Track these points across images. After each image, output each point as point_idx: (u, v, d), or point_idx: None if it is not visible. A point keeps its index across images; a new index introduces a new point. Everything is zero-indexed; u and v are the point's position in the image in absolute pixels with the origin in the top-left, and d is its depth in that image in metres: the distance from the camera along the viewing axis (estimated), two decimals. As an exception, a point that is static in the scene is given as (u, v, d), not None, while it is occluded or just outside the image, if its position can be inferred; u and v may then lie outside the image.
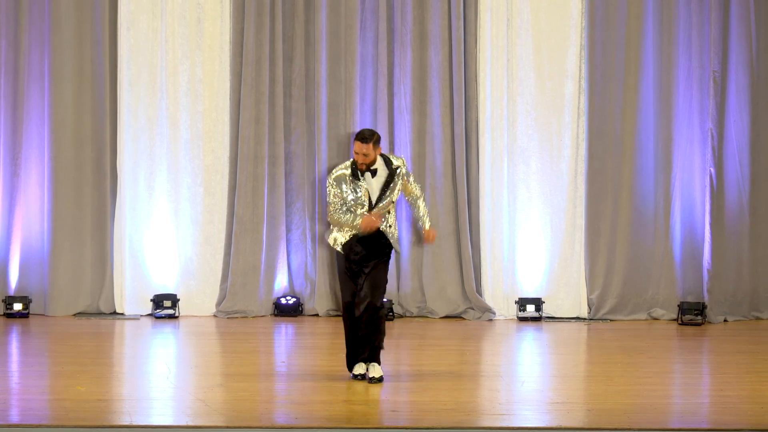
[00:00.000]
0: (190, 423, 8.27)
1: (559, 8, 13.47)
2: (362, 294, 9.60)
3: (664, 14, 13.41)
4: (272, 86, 13.39)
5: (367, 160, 9.54)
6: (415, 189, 9.81)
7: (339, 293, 13.35)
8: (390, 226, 9.70)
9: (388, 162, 9.67)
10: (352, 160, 9.64)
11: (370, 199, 9.59)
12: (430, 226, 9.80)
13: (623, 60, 13.40)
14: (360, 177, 9.56)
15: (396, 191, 9.67)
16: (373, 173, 9.59)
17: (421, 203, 9.84)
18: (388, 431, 8.22)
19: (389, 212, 9.71)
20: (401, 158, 9.77)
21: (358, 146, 9.53)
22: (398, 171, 9.66)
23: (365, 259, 9.63)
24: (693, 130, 13.50)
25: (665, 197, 13.49)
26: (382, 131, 13.48)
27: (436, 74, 13.44)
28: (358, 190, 9.56)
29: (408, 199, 9.86)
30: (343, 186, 9.58)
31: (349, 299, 9.67)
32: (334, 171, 9.68)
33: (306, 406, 8.92)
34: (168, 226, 13.47)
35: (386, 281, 9.70)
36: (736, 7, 13.37)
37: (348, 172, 9.59)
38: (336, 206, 9.60)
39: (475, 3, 13.42)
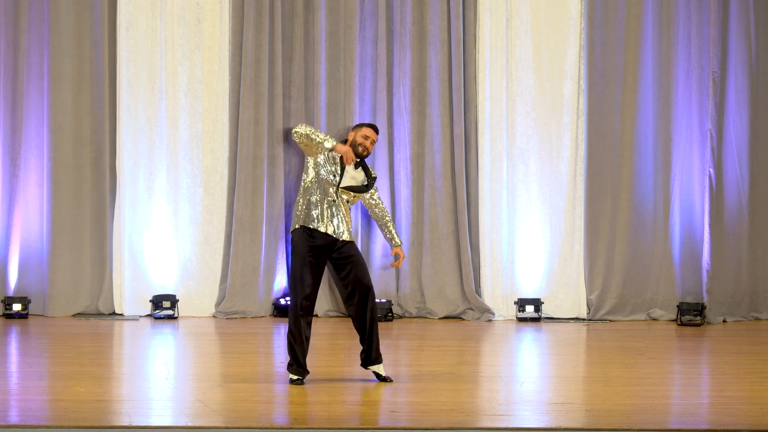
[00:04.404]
0: (189, 423, 8.27)
1: (559, 9, 13.48)
2: (360, 288, 9.48)
3: (664, 15, 13.42)
4: (271, 87, 13.40)
5: (372, 148, 9.55)
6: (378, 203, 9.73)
7: (338, 293, 13.38)
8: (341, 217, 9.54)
9: (367, 169, 9.60)
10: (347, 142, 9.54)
11: (339, 180, 9.44)
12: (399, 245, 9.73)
13: (622, 61, 13.41)
14: (351, 166, 9.48)
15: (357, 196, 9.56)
16: (356, 165, 9.49)
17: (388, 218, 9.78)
18: (387, 431, 8.22)
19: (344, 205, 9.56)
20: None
21: (370, 132, 9.52)
22: (373, 183, 9.60)
23: (332, 250, 9.49)
24: (692, 130, 13.51)
25: (664, 198, 13.50)
26: (382, 132, 13.49)
27: (436, 75, 13.45)
28: (336, 169, 9.42)
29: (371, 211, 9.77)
30: (325, 155, 9.43)
31: (307, 302, 9.32)
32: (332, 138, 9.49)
33: (305, 407, 8.91)
34: (167, 226, 13.48)
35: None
36: (736, 8, 13.38)
37: (337, 155, 9.46)
38: (310, 129, 9.40)
39: (475, 3, 13.43)
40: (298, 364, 9.44)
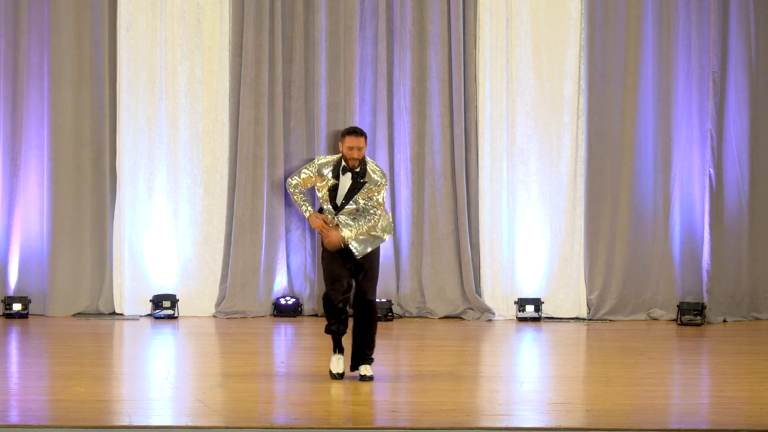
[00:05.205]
0: (190, 423, 8.27)
1: (559, 9, 13.48)
2: (360, 292, 9.64)
3: (664, 15, 13.41)
4: (271, 87, 13.40)
5: (361, 155, 9.50)
6: (377, 203, 9.60)
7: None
8: (354, 228, 9.63)
9: (363, 169, 9.56)
10: (339, 157, 9.60)
11: (336, 201, 9.58)
12: (343, 234, 9.51)
13: (622, 61, 13.41)
14: (342, 174, 9.54)
15: (364, 199, 9.57)
16: (354, 174, 9.54)
17: (372, 217, 9.59)
18: (387, 431, 8.23)
19: (367, 216, 9.64)
20: (382, 176, 9.60)
21: (353, 140, 9.46)
22: (367, 186, 9.54)
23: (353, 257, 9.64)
24: (692, 130, 13.50)
25: (664, 198, 13.50)
26: (382, 132, 13.49)
27: (436, 75, 13.45)
28: (330, 193, 9.56)
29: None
30: (320, 177, 9.58)
31: (335, 290, 9.55)
32: (321, 158, 9.65)
33: (305, 407, 8.92)
34: (167, 226, 13.48)
35: (378, 275, 9.70)
36: (736, 8, 13.37)
37: (332, 176, 9.56)
38: (300, 181, 9.59)
39: (475, 4, 13.43)
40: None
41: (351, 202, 9.54)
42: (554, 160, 13.54)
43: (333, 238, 9.49)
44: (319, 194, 9.64)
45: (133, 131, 13.40)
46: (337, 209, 9.57)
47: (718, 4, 13.29)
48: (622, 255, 13.49)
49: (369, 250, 9.59)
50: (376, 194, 9.56)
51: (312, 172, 9.61)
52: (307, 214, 9.60)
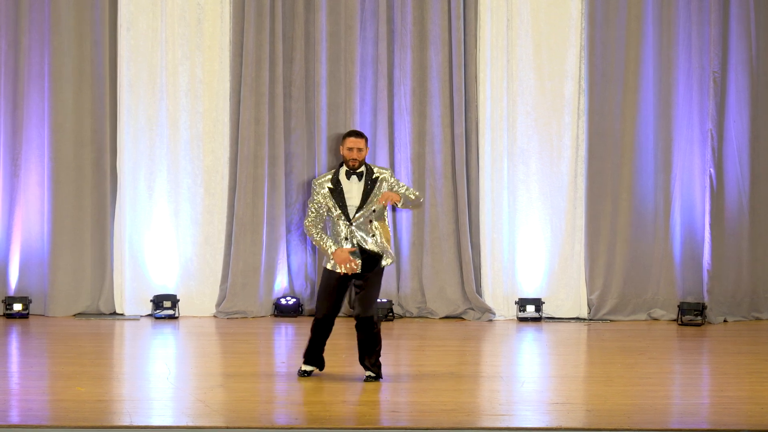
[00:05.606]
0: (190, 423, 8.27)
1: (559, 9, 13.48)
2: (356, 311, 9.66)
3: (664, 15, 13.42)
4: (272, 87, 13.40)
5: (361, 156, 9.56)
6: (402, 189, 9.65)
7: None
8: (375, 237, 9.64)
9: (370, 171, 9.63)
10: (334, 171, 9.65)
11: (347, 210, 9.57)
12: (397, 194, 9.56)
13: (623, 60, 13.41)
14: (347, 179, 9.56)
15: (378, 200, 9.61)
16: (359, 176, 9.58)
17: (407, 193, 9.65)
18: (387, 431, 8.24)
19: (373, 222, 9.63)
20: (386, 169, 9.70)
21: (352, 141, 9.57)
22: (380, 179, 9.60)
23: (357, 276, 9.63)
24: (693, 130, 13.51)
25: (665, 198, 13.50)
26: (382, 132, 13.49)
27: (436, 75, 13.45)
28: (338, 203, 9.56)
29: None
30: (325, 196, 9.61)
31: (321, 316, 9.69)
32: (318, 178, 9.70)
33: (306, 407, 8.92)
34: (168, 226, 13.48)
35: (378, 294, 9.70)
36: (736, 8, 13.38)
37: (330, 185, 9.60)
38: (313, 219, 9.65)
39: (475, 4, 13.43)
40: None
41: (365, 208, 9.53)
42: (555, 160, 13.55)
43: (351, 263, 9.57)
44: (334, 213, 9.60)
45: (134, 131, 13.40)
46: (350, 219, 9.56)
47: (718, 4, 13.29)
48: (623, 255, 13.49)
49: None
50: (396, 187, 9.61)
51: (315, 197, 9.64)
52: (330, 251, 9.59)
